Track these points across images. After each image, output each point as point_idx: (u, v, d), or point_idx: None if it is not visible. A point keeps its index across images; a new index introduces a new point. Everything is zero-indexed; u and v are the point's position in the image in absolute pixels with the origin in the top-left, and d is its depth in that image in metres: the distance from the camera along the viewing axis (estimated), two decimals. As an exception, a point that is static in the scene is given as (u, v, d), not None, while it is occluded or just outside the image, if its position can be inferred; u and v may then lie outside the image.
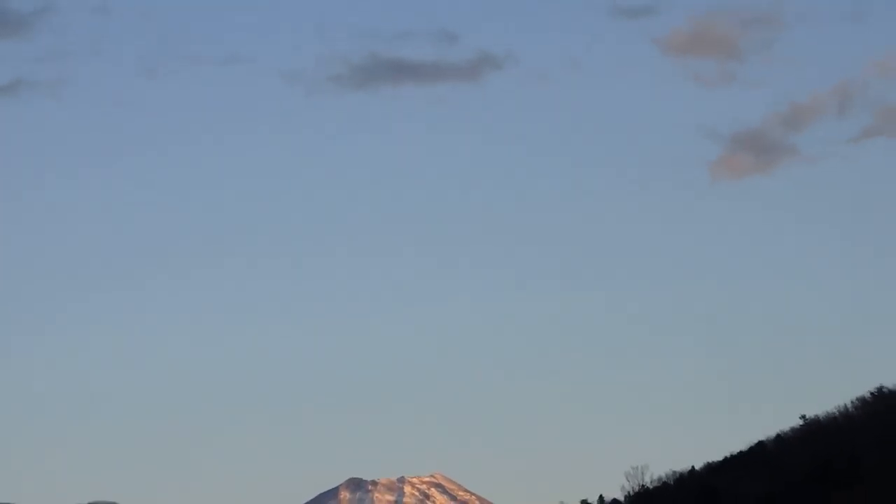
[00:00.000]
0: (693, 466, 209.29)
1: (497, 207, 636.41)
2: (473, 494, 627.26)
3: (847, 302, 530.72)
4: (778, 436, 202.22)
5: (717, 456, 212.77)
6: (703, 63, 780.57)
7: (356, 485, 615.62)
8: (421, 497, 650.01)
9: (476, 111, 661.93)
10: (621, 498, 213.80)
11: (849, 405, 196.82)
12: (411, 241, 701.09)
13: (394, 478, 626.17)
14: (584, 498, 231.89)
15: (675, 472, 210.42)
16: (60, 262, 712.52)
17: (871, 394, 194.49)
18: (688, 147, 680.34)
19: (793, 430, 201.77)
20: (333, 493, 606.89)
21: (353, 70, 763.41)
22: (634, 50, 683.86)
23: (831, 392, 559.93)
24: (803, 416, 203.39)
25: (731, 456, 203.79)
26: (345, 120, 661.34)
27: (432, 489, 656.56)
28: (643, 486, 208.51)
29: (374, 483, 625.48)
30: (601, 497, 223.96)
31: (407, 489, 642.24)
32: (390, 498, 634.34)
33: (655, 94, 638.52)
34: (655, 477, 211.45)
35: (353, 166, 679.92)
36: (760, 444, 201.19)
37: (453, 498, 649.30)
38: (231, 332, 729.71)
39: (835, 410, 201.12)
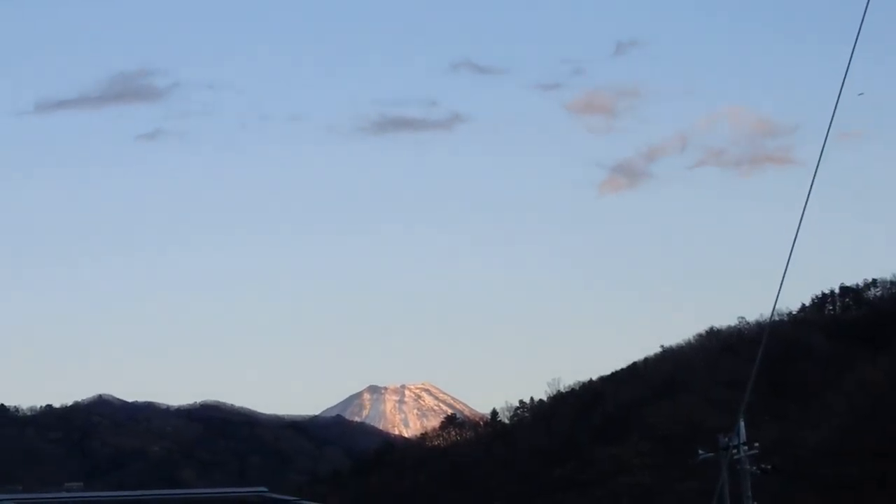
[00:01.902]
0: (591, 378, 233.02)
1: (463, 205, 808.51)
2: (449, 395, 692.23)
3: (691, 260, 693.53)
4: (645, 358, 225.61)
5: (607, 371, 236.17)
6: (593, 119, 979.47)
7: (374, 390, 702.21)
8: (416, 398, 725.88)
9: (450, 147, 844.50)
10: (545, 398, 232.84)
11: (692, 339, 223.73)
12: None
13: (398, 385, 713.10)
14: (520, 398, 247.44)
15: (579, 382, 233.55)
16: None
17: (706, 331, 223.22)
18: (584, 172, 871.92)
19: (655, 354, 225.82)
20: (358, 395, 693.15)
21: (372, 123, 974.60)
22: (549, 111, 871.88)
23: (679, 329, 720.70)
24: (661, 345, 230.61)
25: (615, 371, 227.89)
26: (371, 149, 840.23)
27: (423, 393, 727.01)
28: (558, 391, 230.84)
29: (385, 389, 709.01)
30: (531, 397, 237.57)
31: (407, 393, 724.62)
32: (395, 398, 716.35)
33: (564, 138, 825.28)
34: (566, 385, 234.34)
35: (377, 169, 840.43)
36: (634, 363, 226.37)
37: (436, 398, 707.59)
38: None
39: (682, 342, 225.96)
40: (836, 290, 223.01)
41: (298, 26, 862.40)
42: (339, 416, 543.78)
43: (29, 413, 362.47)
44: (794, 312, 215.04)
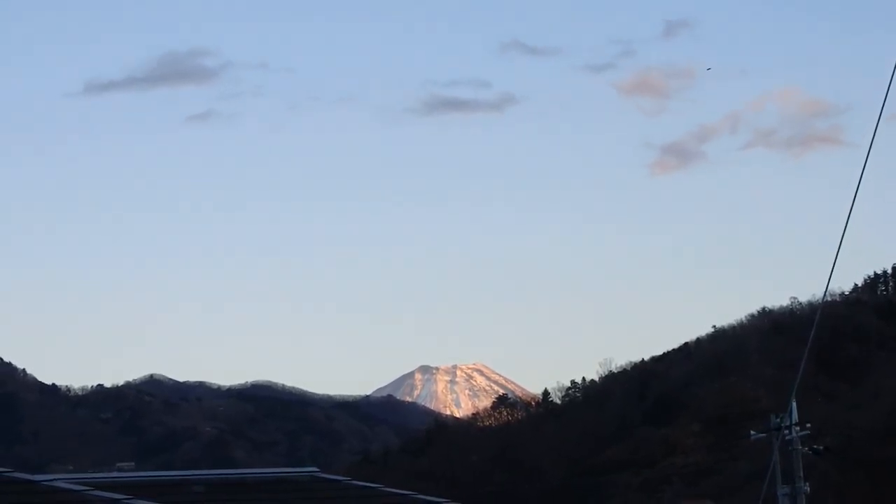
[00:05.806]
0: (643, 358, 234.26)
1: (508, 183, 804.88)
2: (501, 375, 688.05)
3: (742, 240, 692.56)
4: (697, 338, 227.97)
5: (659, 351, 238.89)
6: (643, 100, 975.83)
7: (425, 370, 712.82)
8: (467, 378, 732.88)
9: (501, 129, 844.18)
10: (597, 379, 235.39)
11: (744, 319, 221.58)
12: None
13: (449, 365, 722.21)
14: (572, 378, 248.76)
15: (630, 362, 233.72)
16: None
17: (758, 311, 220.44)
18: (634, 153, 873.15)
19: (706, 334, 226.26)
20: (410, 375, 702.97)
21: (423, 104, 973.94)
22: (600, 92, 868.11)
23: (731, 310, 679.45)
24: (713, 326, 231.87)
25: (666, 352, 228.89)
26: (422, 130, 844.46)
27: (475, 373, 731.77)
28: (610, 371, 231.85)
29: (437, 369, 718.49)
30: (583, 378, 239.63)
31: (458, 373, 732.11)
32: (447, 378, 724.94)
33: (613, 119, 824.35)
34: (618, 365, 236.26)
35: (428, 150, 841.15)
36: (686, 343, 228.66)
37: (488, 378, 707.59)
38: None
39: (734, 322, 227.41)
40: (889, 271, 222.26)
41: (349, 7, 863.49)
42: (390, 396, 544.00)
43: (80, 393, 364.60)
44: (847, 293, 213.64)
